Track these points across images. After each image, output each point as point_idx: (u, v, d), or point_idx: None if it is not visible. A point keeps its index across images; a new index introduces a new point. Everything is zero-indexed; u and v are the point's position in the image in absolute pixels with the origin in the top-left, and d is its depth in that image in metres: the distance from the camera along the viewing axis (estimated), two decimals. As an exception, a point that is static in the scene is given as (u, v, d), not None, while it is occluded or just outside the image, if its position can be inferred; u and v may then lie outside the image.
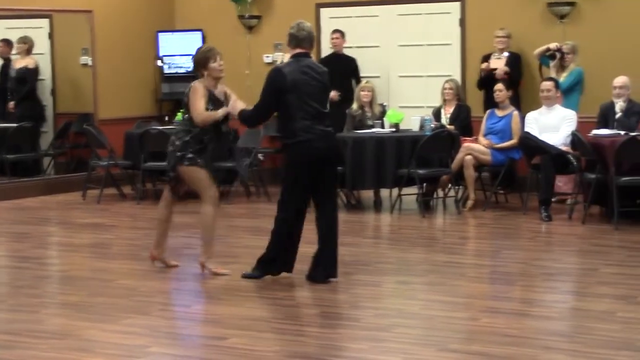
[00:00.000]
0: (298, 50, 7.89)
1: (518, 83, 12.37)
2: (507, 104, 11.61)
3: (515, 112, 11.52)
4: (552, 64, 11.79)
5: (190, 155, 8.15)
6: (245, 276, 8.02)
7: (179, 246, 9.41)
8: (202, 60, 8.24)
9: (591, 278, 8.10)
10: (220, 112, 8.14)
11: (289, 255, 7.98)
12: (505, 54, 12.30)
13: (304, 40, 7.88)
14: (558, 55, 11.75)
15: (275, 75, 7.80)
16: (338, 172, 8.38)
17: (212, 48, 8.32)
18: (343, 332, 6.60)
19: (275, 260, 7.96)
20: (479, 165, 11.47)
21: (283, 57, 13.32)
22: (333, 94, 12.15)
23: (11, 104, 14.03)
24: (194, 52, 8.49)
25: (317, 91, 7.82)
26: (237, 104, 8.12)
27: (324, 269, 7.89)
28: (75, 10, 13.82)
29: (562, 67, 11.79)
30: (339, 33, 13.30)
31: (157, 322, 6.93)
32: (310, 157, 7.75)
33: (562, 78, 11.61)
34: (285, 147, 7.95)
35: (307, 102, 7.74)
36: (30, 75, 14.00)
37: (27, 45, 14.01)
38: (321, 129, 7.79)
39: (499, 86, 11.62)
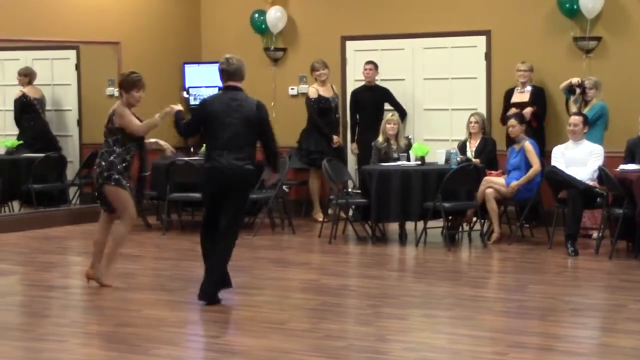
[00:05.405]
0: (229, 83, 8.29)
1: (543, 117, 12.37)
2: (522, 137, 11.54)
3: (526, 142, 11.43)
4: (572, 98, 11.79)
5: (116, 176, 8.63)
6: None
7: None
8: (129, 84, 8.66)
9: (620, 314, 8.04)
10: (158, 115, 8.62)
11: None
12: (528, 87, 12.31)
13: (234, 73, 8.29)
14: (579, 90, 11.72)
15: (200, 104, 8.46)
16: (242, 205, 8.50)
17: (141, 78, 8.73)
18: (371, 366, 6.58)
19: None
20: (502, 199, 11.44)
21: (313, 88, 13.35)
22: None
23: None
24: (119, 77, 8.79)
25: (234, 123, 8.16)
26: (175, 106, 8.61)
27: (204, 290, 8.26)
28: (103, 42, 13.90)
29: (585, 102, 11.77)
30: (372, 65, 13.32)
31: (185, 353, 6.95)
32: (211, 183, 8.21)
33: (584, 112, 11.59)
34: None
35: (221, 132, 8.14)
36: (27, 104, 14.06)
37: (25, 76, 14.06)
38: (228, 159, 8.13)
39: (512, 122, 11.54)
